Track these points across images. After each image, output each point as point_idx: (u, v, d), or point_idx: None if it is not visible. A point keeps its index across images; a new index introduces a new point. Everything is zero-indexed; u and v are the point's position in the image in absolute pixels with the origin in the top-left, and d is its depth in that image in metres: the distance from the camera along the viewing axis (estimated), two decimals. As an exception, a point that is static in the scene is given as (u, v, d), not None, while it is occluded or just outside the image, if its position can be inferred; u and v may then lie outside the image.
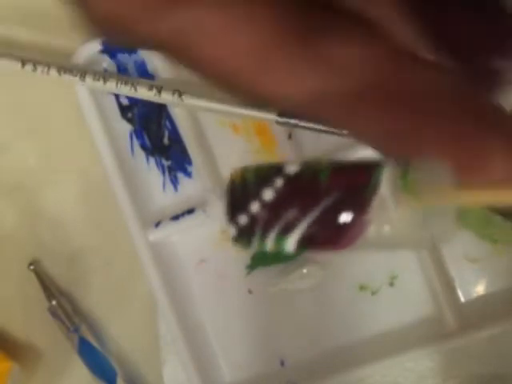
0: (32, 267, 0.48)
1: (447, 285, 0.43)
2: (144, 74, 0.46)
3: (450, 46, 0.22)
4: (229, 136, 0.46)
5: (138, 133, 0.47)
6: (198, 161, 0.45)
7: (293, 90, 0.21)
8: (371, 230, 0.21)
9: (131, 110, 0.47)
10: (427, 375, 0.44)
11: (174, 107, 0.45)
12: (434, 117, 0.20)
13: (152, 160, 0.47)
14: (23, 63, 0.45)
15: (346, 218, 0.21)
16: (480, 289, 0.43)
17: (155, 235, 0.46)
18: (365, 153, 0.43)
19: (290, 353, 0.46)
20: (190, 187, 0.46)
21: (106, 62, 0.46)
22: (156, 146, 0.47)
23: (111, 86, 0.44)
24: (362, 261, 0.45)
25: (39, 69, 0.45)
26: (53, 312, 0.47)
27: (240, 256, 0.46)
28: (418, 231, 0.21)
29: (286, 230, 0.22)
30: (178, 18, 0.21)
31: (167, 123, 0.46)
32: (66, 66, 0.45)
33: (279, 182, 0.22)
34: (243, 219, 0.22)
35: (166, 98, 0.44)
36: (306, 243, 0.22)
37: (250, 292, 0.46)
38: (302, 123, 0.42)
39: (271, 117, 0.42)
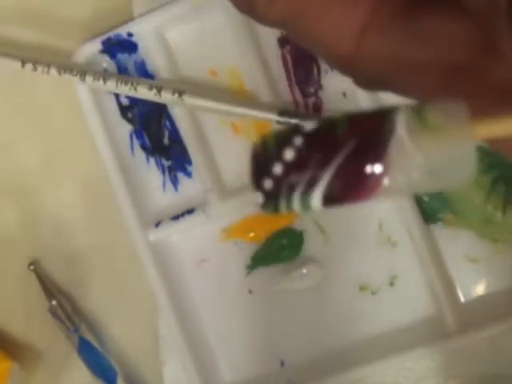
0: (32, 267, 0.48)
1: (447, 285, 0.43)
2: (144, 73, 0.46)
3: None
4: (229, 136, 0.46)
5: (138, 133, 0.47)
6: (198, 161, 0.45)
7: (393, 63, 0.23)
8: (398, 178, 0.21)
9: (131, 109, 0.47)
10: (427, 375, 0.44)
11: (174, 107, 0.45)
12: None
13: (152, 160, 0.47)
14: (23, 63, 0.45)
15: (365, 165, 0.22)
16: (480, 289, 0.43)
17: (155, 235, 0.46)
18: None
19: (290, 353, 0.46)
20: (190, 187, 0.46)
21: (106, 62, 0.46)
22: (156, 146, 0.47)
23: (111, 85, 0.44)
24: (362, 261, 0.45)
25: (39, 68, 0.45)
26: (53, 312, 0.47)
27: (240, 256, 0.46)
28: (440, 173, 0.21)
29: (310, 187, 0.22)
30: (282, 2, 0.25)
31: (167, 123, 0.46)
32: (66, 66, 0.45)
33: (298, 141, 0.22)
34: (268, 184, 0.22)
35: (166, 97, 0.44)
36: (331, 198, 0.22)
37: (250, 292, 0.46)
38: (303, 123, 0.42)
39: (272, 117, 0.42)
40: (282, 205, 0.23)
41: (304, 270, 0.45)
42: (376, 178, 0.22)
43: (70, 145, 0.48)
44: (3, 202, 0.49)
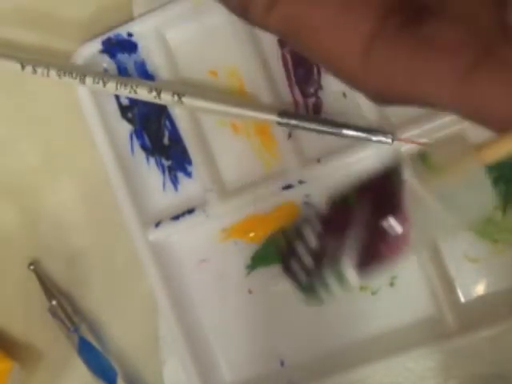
0: (32, 267, 0.48)
1: (447, 285, 0.43)
2: (144, 73, 0.46)
3: None
4: (229, 136, 0.46)
5: (138, 133, 0.47)
6: (198, 161, 0.45)
7: (403, 76, 0.22)
8: (420, 226, 0.21)
9: (131, 110, 0.47)
10: (427, 375, 0.44)
11: (174, 107, 0.45)
12: None
13: (152, 160, 0.47)
14: (23, 66, 0.45)
15: (384, 224, 0.22)
16: (480, 289, 0.43)
17: (155, 235, 0.46)
18: (364, 153, 0.43)
19: (290, 353, 0.46)
20: (190, 187, 0.46)
21: (106, 62, 0.46)
22: (156, 146, 0.47)
23: (111, 88, 0.44)
24: (362, 261, 0.44)
25: (39, 71, 0.45)
26: (53, 312, 0.47)
27: (240, 256, 0.46)
28: (461, 207, 0.21)
29: (340, 265, 0.22)
30: (280, 12, 0.24)
31: (167, 123, 0.46)
32: (66, 68, 0.45)
33: (316, 227, 0.22)
34: (302, 277, 0.23)
35: (165, 99, 0.44)
36: (363, 267, 0.22)
37: (250, 292, 0.46)
38: (303, 124, 0.42)
39: (272, 118, 0.42)
40: (322, 292, 0.23)
41: (304, 270, 0.45)
42: (398, 232, 0.22)
43: (70, 145, 0.48)
44: (3, 202, 0.49)
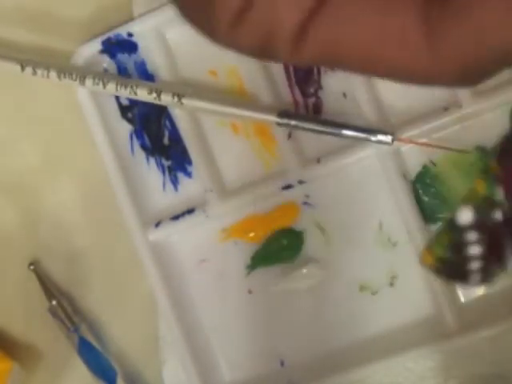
0: (32, 267, 0.48)
1: (447, 285, 0.43)
2: (144, 73, 0.46)
3: None
4: (229, 136, 0.46)
5: (138, 133, 0.47)
6: (198, 161, 0.45)
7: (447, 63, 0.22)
8: None
9: (131, 110, 0.47)
10: (427, 375, 0.44)
11: (175, 108, 0.45)
12: None
13: (152, 160, 0.47)
14: (23, 67, 0.45)
15: None
16: (480, 289, 0.43)
17: (155, 235, 0.46)
18: (364, 153, 0.43)
19: (290, 353, 0.46)
20: (190, 187, 0.46)
21: (106, 62, 0.46)
22: (156, 146, 0.47)
23: (111, 89, 0.44)
24: (362, 261, 0.45)
25: (39, 72, 0.45)
26: (53, 312, 0.47)
27: (240, 256, 0.46)
28: None
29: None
30: (315, 41, 0.22)
31: (167, 123, 0.46)
32: (66, 70, 0.45)
33: (472, 236, 0.22)
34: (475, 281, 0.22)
35: (165, 100, 0.44)
36: None
37: (249, 292, 0.46)
38: (302, 124, 0.42)
39: (271, 118, 0.42)
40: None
41: (304, 270, 0.45)
42: None
43: (70, 145, 0.48)
44: (3, 202, 0.49)
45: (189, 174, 0.46)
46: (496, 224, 0.22)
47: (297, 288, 0.45)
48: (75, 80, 0.44)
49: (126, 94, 0.44)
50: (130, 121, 0.47)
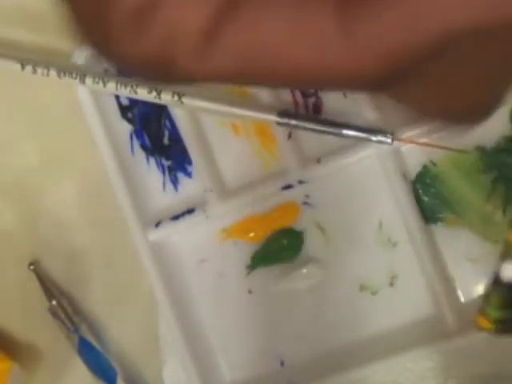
0: (32, 267, 0.48)
1: (447, 285, 0.43)
2: (144, 73, 0.46)
3: None
4: (229, 136, 0.46)
5: (138, 133, 0.47)
6: (198, 161, 0.45)
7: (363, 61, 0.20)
8: None
9: (131, 109, 0.47)
10: (427, 375, 0.44)
11: (175, 108, 0.45)
12: None
13: (152, 160, 0.47)
14: (23, 65, 0.45)
15: None
16: (480, 289, 0.43)
17: (155, 235, 0.46)
18: (364, 153, 0.43)
19: (290, 353, 0.46)
20: (190, 187, 0.46)
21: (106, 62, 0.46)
22: (156, 146, 0.47)
23: (111, 88, 0.44)
24: (362, 261, 0.45)
25: (39, 71, 0.45)
26: (53, 312, 0.47)
27: (240, 256, 0.46)
28: None
29: None
30: (228, 44, 0.19)
31: (167, 123, 0.46)
32: (66, 68, 0.45)
33: None
34: None
35: (165, 99, 0.44)
36: None
37: (249, 292, 0.46)
38: (303, 124, 0.42)
39: (271, 118, 0.42)
40: None
41: (304, 270, 0.45)
42: None
43: (70, 144, 0.48)
44: (3, 202, 0.49)
45: (189, 174, 0.46)
46: None
47: (297, 288, 0.45)
48: (75, 78, 0.44)
49: (126, 92, 0.44)
50: (130, 121, 0.47)
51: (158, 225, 0.46)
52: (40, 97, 0.48)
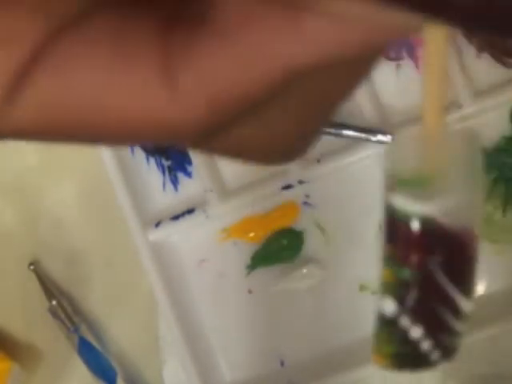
0: (32, 267, 0.48)
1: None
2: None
3: None
4: (229, 136, 0.46)
5: (138, 133, 0.47)
6: (198, 161, 0.45)
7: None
8: None
9: (131, 110, 0.47)
10: (427, 375, 0.44)
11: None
12: None
13: (152, 160, 0.47)
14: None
15: None
16: (480, 289, 0.43)
17: (155, 235, 0.46)
18: (364, 153, 0.43)
19: (290, 353, 0.46)
20: (190, 187, 0.46)
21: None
22: (156, 146, 0.47)
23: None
24: (362, 261, 0.44)
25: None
26: (53, 312, 0.47)
27: (240, 256, 0.46)
28: None
29: None
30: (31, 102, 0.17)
31: (167, 123, 0.46)
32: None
33: (406, 321, 0.22)
34: None
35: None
36: None
37: (249, 292, 0.46)
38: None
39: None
40: None
41: (304, 270, 0.45)
42: None
43: (70, 145, 0.48)
44: (3, 202, 0.49)
45: (189, 174, 0.46)
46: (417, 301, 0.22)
47: (297, 288, 0.45)
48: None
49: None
50: (130, 121, 0.47)
51: (158, 225, 0.46)
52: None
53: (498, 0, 0.14)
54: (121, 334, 0.48)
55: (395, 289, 0.22)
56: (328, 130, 0.42)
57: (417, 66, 0.44)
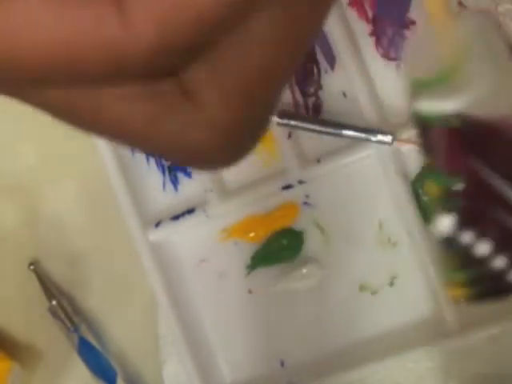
0: (32, 267, 0.48)
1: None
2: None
3: None
4: (229, 136, 0.46)
5: (138, 133, 0.47)
6: (198, 161, 0.45)
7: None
8: None
9: (131, 110, 0.47)
10: (427, 375, 0.44)
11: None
12: None
13: (152, 160, 0.47)
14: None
15: None
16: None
17: (155, 235, 0.46)
18: (364, 153, 0.43)
19: (290, 353, 0.46)
20: (190, 187, 0.46)
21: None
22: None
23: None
24: (362, 261, 0.45)
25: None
26: (53, 312, 0.47)
27: (240, 256, 0.46)
28: None
29: None
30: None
31: (167, 123, 0.46)
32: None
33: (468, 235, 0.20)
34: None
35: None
36: None
37: (249, 292, 0.46)
38: (302, 124, 0.42)
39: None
40: None
41: (304, 270, 0.45)
42: None
43: (70, 145, 0.48)
44: (3, 202, 0.49)
45: (189, 174, 0.46)
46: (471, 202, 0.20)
47: (297, 288, 0.45)
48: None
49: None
50: (130, 121, 0.47)
51: (158, 225, 0.46)
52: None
53: None
54: (121, 333, 0.48)
55: (446, 202, 0.20)
56: (328, 130, 0.42)
57: (417, 66, 0.44)
